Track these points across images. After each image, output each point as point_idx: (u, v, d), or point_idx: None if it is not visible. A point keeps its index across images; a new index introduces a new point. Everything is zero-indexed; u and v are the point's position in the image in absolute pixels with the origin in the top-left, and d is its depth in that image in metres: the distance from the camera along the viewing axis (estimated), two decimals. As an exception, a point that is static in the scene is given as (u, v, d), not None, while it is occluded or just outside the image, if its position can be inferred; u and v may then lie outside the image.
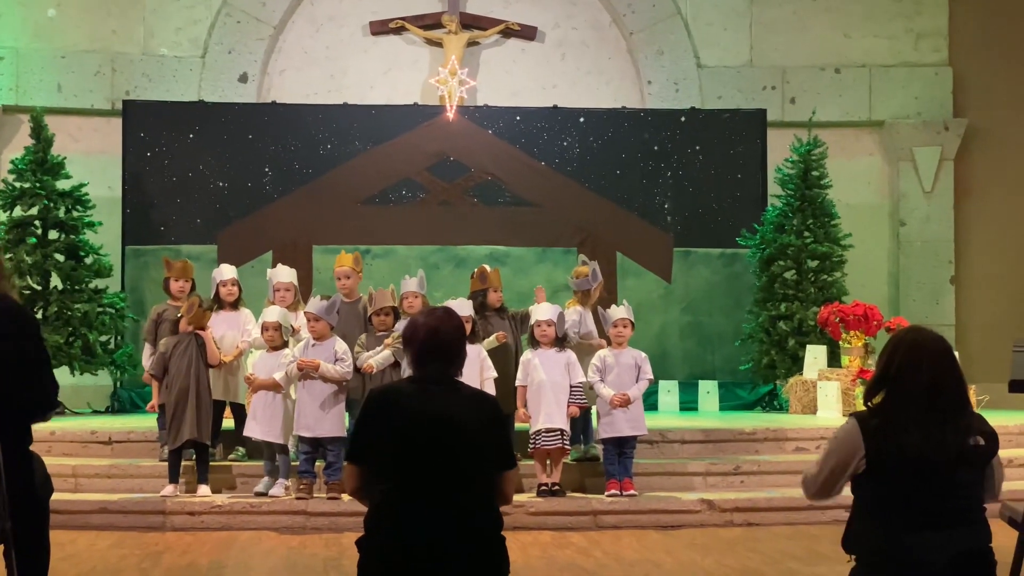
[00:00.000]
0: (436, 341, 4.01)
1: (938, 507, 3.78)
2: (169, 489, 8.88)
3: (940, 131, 15.01)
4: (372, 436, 3.98)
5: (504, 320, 9.64)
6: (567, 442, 8.99)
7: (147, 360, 9.63)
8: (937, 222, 15.03)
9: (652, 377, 9.22)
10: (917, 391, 3.84)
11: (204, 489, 8.95)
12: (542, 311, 9.16)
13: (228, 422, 9.78)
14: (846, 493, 4.00)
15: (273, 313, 9.19)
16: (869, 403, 3.97)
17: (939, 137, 15.01)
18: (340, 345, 8.91)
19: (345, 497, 8.50)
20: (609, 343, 9.20)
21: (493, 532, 3.98)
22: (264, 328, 9.12)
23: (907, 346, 3.93)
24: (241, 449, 9.62)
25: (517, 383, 9.11)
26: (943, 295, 14.98)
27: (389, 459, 3.92)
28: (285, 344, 9.11)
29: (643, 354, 9.21)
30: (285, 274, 9.74)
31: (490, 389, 8.79)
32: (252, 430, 9.02)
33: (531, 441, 8.94)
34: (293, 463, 9.06)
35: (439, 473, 3.89)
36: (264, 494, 8.89)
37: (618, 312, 9.19)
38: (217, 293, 9.72)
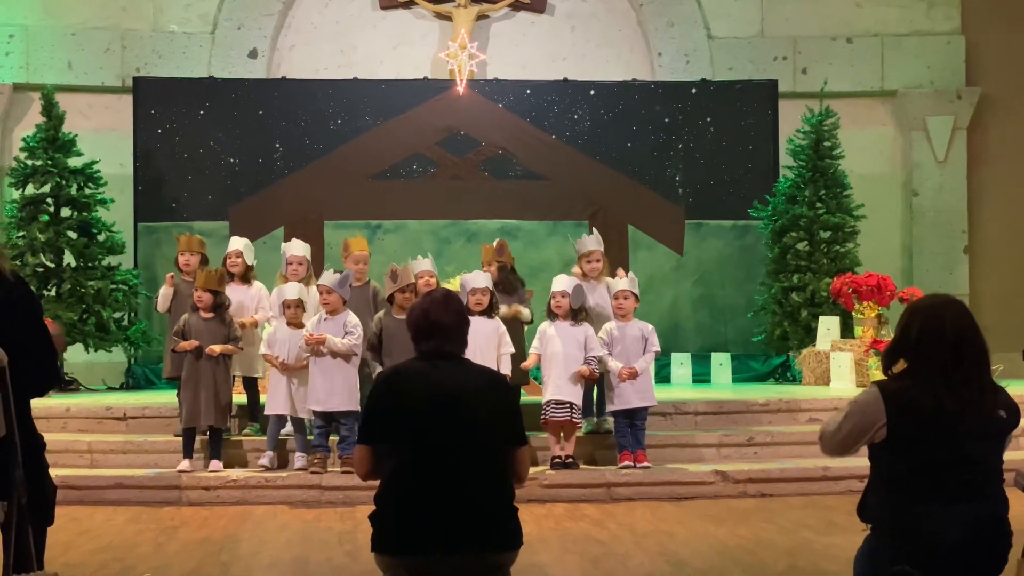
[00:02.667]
0: (429, 320, 4.11)
1: (956, 478, 3.77)
2: (185, 464, 8.93)
3: (953, 100, 14.93)
4: (383, 415, 4.01)
5: (513, 297, 9.62)
6: (576, 415, 8.99)
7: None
8: (950, 192, 14.97)
9: (659, 349, 9.19)
10: (940, 355, 3.80)
11: (216, 464, 8.99)
12: (558, 283, 9.15)
13: (240, 397, 9.79)
14: (863, 463, 3.99)
15: (293, 290, 9.18)
16: (890, 372, 3.94)
17: (952, 106, 14.93)
18: (351, 319, 8.90)
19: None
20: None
21: (505, 504, 4.00)
22: (287, 306, 9.09)
23: (926, 311, 3.89)
24: (256, 425, 9.65)
25: (532, 350, 9.13)
26: (956, 265, 14.93)
27: (400, 435, 3.95)
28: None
29: (650, 326, 9.20)
30: (299, 248, 9.74)
31: (507, 364, 8.82)
32: (280, 408, 9.03)
33: (542, 412, 8.96)
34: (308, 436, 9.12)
35: (449, 446, 3.91)
36: (269, 468, 8.93)
37: (619, 284, 9.19)
38: (225, 265, 9.78)
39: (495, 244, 9.85)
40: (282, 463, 9.14)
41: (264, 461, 8.99)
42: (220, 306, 9.11)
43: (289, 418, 9.08)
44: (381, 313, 9.06)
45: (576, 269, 9.71)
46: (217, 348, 8.96)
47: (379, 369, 8.74)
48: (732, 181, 14.25)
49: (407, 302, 8.66)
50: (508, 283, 9.56)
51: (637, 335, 9.07)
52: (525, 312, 9.54)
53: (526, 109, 14.18)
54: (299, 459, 9.01)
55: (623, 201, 14.14)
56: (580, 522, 7.90)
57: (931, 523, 3.74)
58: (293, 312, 9.07)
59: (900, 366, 3.93)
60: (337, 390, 8.81)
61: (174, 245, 10.38)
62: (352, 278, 9.26)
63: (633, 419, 9.04)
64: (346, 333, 8.82)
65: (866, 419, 3.84)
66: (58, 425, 9.81)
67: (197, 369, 8.97)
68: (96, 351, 12.89)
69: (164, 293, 9.77)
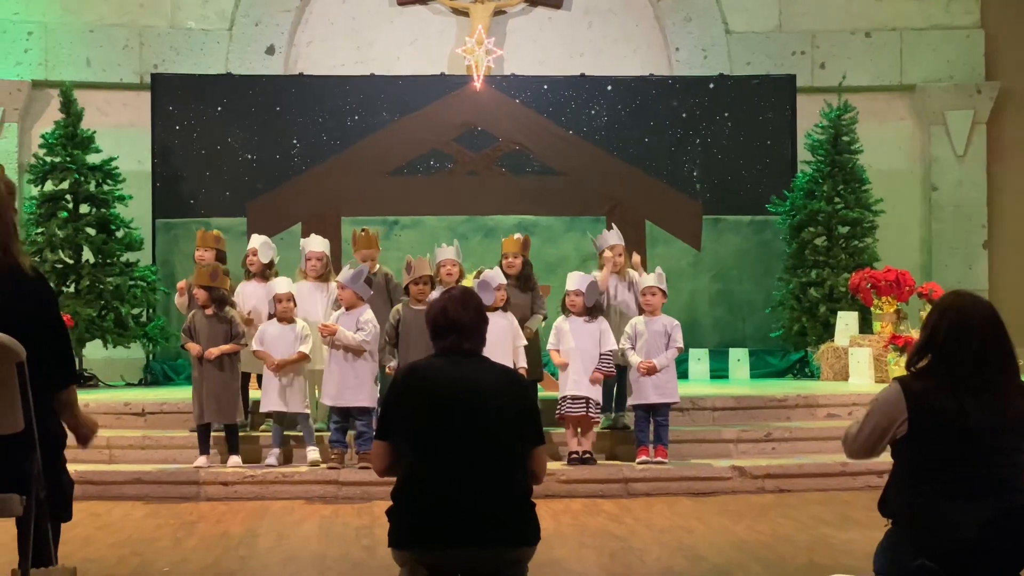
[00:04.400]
0: (447, 317, 4.12)
1: (978, 474, 3.75)
2: (202, 460, 8.94)
3: (972, 94, 14.86)
4: (400, 411, 4.01)
5: (526, 294, 9.56)
6: (593, 411, 8.96)
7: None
8: (970, 186, 14.90)
9: (682, 346, 9.16)
10: (965, 358, 3.79)
11: (235, 459, 9.00)
12: (571, 280, 9.14)
13: (256, 393, 9.79)
14: (884, 458, 3.97)
15: (283, 284, 9.20)
16: (912, 368, 3.92)
17: (971, 100, 14.86)
18: (365, 315, 8.91)
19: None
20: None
21: (522, 499, 3.99)
22: (277, 300, 9.10)
23: (955, 313, 3.87)
24: (271, 420, 9.65)
25: (548, 347, 9.12)
26: (976, 260, 14.86)
27: (417, 431, 3.95)
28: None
29: (675, 322, 9.17)
30: (317, 244, 9.75)
31: (522, 356, 8.83)
32: (274, 404, 9.04)
33: (557, 407, 8.95)
34: (319, 433, 9.12)
35: (466, 442, 3.91)
36: (275, 466, 8.94)
37: (646, 280, 9.20)
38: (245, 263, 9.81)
39: (522, 238, 9.75)
40: (289, 459, 9.15)
41: (271, 460, 8.99)
42: (218, 302, 9.07)
43: (288, 415, 9.07)
44: (399, 305, 9.07)
45: (601, 260, 9.70)
46: (214, 351, 8.95)
47: (392, 363, 8.78)
48: (750, 176, 14.21)
49: (421, 294, 8.85)
50: (530, 279, 9.55)
51: (661, 330, 9.05)
52: (537, 319, 9.48)
53: (543, 105, 14.17)
54: (310, 452, 9.02)
55: (641, 196, 14.11)
56: (597, 517, 7.90)
57: (952, 518, 3.72)
58: (284, 306, 9.07)
59: (923, 362, 3.91)
60: (351, 385, 8.82)
61: (192, 241, 10.42)
62: (367, 269, 9.26)
63: (654, 415, 9.02)
64: (358, 329, 8.83)
65: (888, 415, 3.83)
66: (77, 421, 9.82)
67: (201, 369, 9.00)
68: (114, 347, 12.94)
69: (179, 303, 9.89)
